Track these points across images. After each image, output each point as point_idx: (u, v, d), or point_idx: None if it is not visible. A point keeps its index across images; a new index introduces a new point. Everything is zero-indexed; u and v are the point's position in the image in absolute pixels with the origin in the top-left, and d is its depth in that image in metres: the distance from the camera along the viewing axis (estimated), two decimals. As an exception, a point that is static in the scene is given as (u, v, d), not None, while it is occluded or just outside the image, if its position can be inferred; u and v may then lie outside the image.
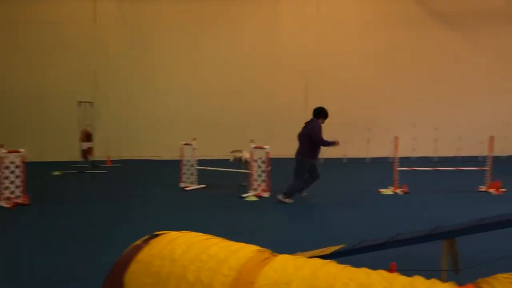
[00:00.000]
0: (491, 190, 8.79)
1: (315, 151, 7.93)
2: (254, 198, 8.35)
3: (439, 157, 13.37)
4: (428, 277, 2.32)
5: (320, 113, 7.98)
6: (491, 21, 14.39)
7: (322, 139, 7.79)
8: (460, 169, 9.88)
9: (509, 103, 14.58)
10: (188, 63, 14.53)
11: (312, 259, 2.69)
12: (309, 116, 8.05)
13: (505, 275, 2.20)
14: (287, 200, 7.93)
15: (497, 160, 10.84)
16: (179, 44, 14.62)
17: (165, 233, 2.97)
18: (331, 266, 2.48)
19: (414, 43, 14.40)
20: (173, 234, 2.95)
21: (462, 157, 13.24)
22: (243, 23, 14.54)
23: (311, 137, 7.79)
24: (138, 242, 2.89)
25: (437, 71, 14.41)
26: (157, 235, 2.93)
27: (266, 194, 8.51)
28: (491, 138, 8.99)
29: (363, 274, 2.37)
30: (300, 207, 7.74)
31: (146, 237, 2.93)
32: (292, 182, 8.03)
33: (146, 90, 14.63)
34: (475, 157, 12.31)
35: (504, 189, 8.79)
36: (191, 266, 2.58)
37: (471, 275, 2.44)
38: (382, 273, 2.37)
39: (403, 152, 10.46)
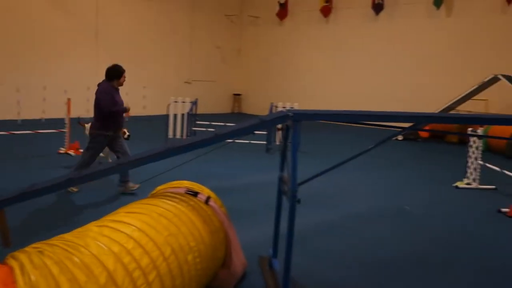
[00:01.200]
0: (71, 152, 8.97)
1: (110, 120, 6.12)
2: None
3: (22, 120, 12.66)
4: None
5: (110, 74, 6.10)
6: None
7: (112, 105, 5.99)
8: (41, 132, 9.61)
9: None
10: None
11: None
12: None
13: (34, 245, 2.09)
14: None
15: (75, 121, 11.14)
16: None
17: None
18: None
19: None
20: None
21: (46, 119, 12.92)
22: None
23: (99, 105, 6.03)
24: None
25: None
26: None
27: None
28: (69, 101, 9.11)
29: None
30: None
31: None
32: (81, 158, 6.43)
33: None
34: (62, 119, 12.26)
35: (82, 150, 9.10)
36: None
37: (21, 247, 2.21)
38: None
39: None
